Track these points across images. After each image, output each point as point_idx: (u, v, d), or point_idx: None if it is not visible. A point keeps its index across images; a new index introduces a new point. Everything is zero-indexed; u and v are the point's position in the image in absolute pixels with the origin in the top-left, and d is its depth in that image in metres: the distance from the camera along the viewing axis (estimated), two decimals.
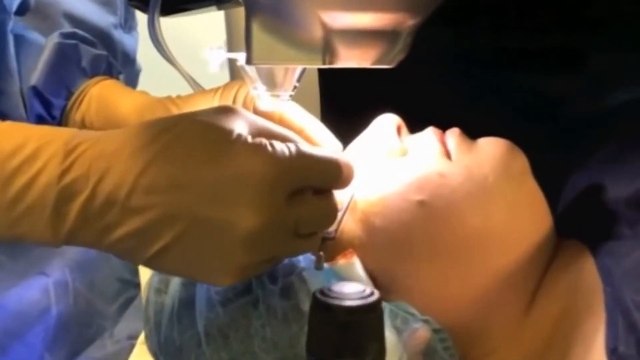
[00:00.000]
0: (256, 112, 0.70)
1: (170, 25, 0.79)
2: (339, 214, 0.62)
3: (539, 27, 0.89)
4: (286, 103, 0.68)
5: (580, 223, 0.69)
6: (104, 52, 0.88)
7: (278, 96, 0.66)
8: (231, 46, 0.67)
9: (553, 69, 0.91)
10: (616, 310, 0.56)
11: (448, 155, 0.66)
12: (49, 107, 0.84)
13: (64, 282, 0.72)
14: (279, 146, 0.53)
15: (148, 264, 0.55)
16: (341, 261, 0.62)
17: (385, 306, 0.60)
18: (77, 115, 0.85)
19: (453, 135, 0.67)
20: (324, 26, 0.53)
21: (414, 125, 0.73)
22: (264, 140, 0.53)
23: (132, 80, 1.41)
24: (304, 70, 0.65)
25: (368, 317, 0.46)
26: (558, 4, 0.87)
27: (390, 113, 0.71)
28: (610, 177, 0.69)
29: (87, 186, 0.52)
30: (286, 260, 0.61)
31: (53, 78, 0.84)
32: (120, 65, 1.33)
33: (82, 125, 0.85)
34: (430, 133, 0.68)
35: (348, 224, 0.64)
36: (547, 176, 0.67)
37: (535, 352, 0.62)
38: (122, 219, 0.52)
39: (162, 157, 0.52)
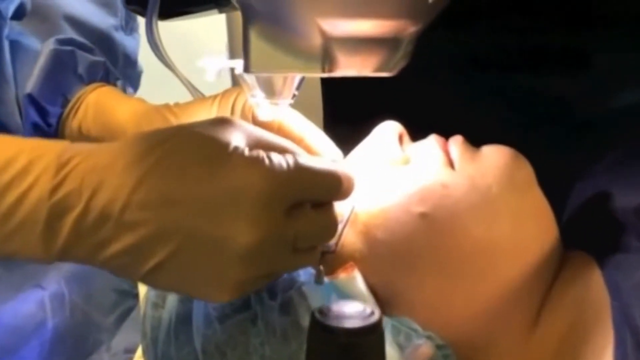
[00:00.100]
0: (255, 120, 0.69)
1: (170, 29, 0.78)
2: (339, 227, 0.60)
3: (541, 27, 0.88)
4: (285, 111, 0.66)
5: (586, 233, 0.67)
6: (100, 59, 0.87)
7: (277, 104, 0.65)
8: (233, 50, 0.65)
9: (556, 70, 0.89)
10: (624, 327, 0.54)
11: (451, 164, 0.64)
12: (45, 115, 0.83)
13: (60, 295, 0.70)
14: (277, 159, 0.52)
15: (144, 280, 0.53)
16: (342, 275, 0.60)
17: (387, 321, 0.58)
18: (73, 123, 0.83)
19: (456, 143, 0.66)
20: (323, 34, 0.52)
21: (417, 130, 0.71)
22: (261, 153, 0.52)
23: (133, 82, 1.40)
24: (303, 79, 0.63)
25: (369, 338, 0.45)
26: (561, 4, 0.85)
27: (392, 120, 0.70)
28: (617, 185, 0.68)
29: (80, 201, 0.51)
30: (285, 275, 0.60)
31: (49, 85, 0.83)
32: (122, 68, 1.32)
33: (79, 133, 0.83)
34: (432, 141, 0.67)
35: (349, 237, 0.62)
36: (552, 179, 0.66)
37: None
38: (116, 234, 0.51)
39: (157, 171, 0.51)
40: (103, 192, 0.51)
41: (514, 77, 0.90)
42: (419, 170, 0.64)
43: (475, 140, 0.68)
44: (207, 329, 0.61)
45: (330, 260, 0.61)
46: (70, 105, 0.84)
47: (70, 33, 1.20)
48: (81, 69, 0.85)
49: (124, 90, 0.91)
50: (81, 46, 0.87)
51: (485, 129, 0.72)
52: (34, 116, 0.82)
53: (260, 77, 0.62)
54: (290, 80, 0.62)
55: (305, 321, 0.56)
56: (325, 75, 0.55)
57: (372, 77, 0.56)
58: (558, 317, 0.61)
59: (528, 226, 0.62)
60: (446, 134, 0.69)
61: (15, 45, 0.86)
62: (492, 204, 0.61)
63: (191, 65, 0.70)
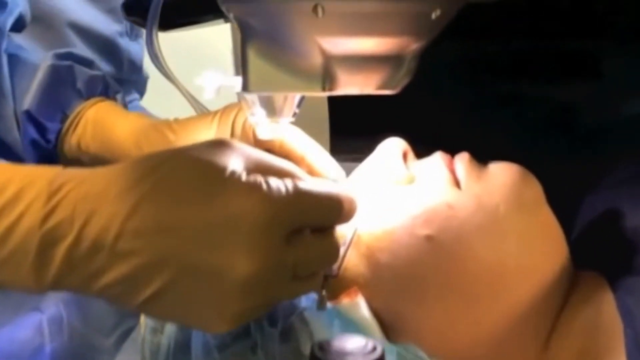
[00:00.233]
0: (256, 138, 0.67)
1: (175, 39, 0.77)
2: (342, 249, 0.58)
3: (551, 35, 0.86)
4: (286, 129, 0.65)
5: (597, 252, 0.66)
6: (99, 72, 0.86)
7: (278, 122, 0.63)
8: (238, 62, 0.64)
9: (566, 78, 0.89)
10: (638, 355, 0.52)
11: (457, 183, 0.62)
12: (44, 131, 0.81)
13: (58, 318, 0.69)
14: (275, 184, 0.50)
15: (140, 309, 0.52)
16: (345, 300, 0.58)
17: (393, 348, 0.56)
18: (72, 139, 0.82)
19: (462, 161, 0.64)
20: (323, 52, 0.51)
21: (422, 142, 0.69)
22: (259, 178, 0.50)
23: (139, 88, 1.39)
24: (303, 96, 0.61)
25: None
26: (571, 11, 0.84)
27: (397, 135, 0.68)
28: (628, 202, 0.66)
29: (72, 230, 0.49)
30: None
31: (47, 101, 0.81)
32: (127, 74, 1.32)
33: (78, 150, 0.82)
34: (438, 159, 0.65)
35: (351, 260, 0.61)
36: (562, 188, 0.64)
37: None
38: (109, 264, 0.49)
39: (151, 198, 0.49)
40: (96, 220, 0.49)
41: (523, 84, 0.89)
42: (424, 190, 0.62)
43: (483, 150, 0.66)
44: (206, 358, 0.59)
45: (333, 284, 0.59)
46: (69, 120, 0.82)
47: (74, 40, 1.20)
48: (80, 84, 0.83)
49: (125, 104, 0.89)
50: (80, 60, 0.86)
51: (493, 138, 0.70)
52: (32, 133, 0.81)
53: (261, 95, 0.60)
54: (291, 98, 0.61)
55: (307, 348, 0.55)
56: (326, 94, 0.53)
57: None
58: (568, 343, 0.60)
59: (537, 247, 0.60)
60: (453, 145, 0.67)
61: (13, 59, 0.85)
62: (500, 225, 0.60)
63: (197, 76, 0.68)
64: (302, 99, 0.62)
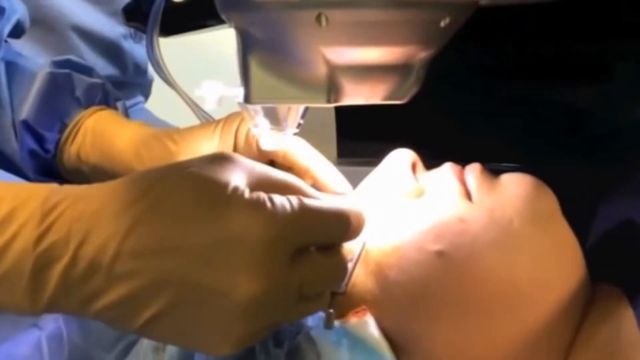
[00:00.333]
0: (259, 149, 0.66)
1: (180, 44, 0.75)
2: (350, 265, 0.56)
3: (563, 37, 0.85)
4: (290, 140, 0.63)
5: (613, 265, 0.63)
6: (99, 80, 0.84)
7: (281, 131, 0.61)
8: None
9: (579, 80, 0.87)
10: None
11: (468, 195, 0.60)
12: (42, 141, 0.80)
13: (58, 335, 0.67)
14: (279, 201, 0.48)
15: (139, 332, 0.50)
16: (353, 319, 0.56)
17: None
18: (72, 149, 0.80)
19: (473, 172, 0.61)
20: (328, 63, 0.49)
21: (433, 143, 0.68)
22: (262, 195, 0.48)
23: (144, 91, 1.38)
24: (308, 107, 0.59)
25: None
26: (583, 13, 0.82)
27: (405, 147, 0.66)
28: None
29: (67, 251, 0.47)
30: None
31: (45, 110, 0.80)
32: (132, 76, 1.31)
33: (78, 159, 0.80)
34: (448, 170, 0.62)
35: (360, 276, 0.59)
36: (573, 194, 0.62)
37: None
38: (107, 285, 0.48)
39: (149, 217, 0.47)
40: (92, 241, 0.47)
41: (534, 88, 0.87)
42: (434, 203, 0.60)
43: (495, 152, 0.64)
44: None
45: (340, 302, 0.57)
46: (68, 130, 0.81)
47: (78, 43, 1.19)
48: (79, 92, 0.82)
49: (126, 112, 0.87)
50: (79, 68, 0.84)
51: (502, 142, 0.68)
52: (30, 143, 0.79)
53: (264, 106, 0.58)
54: (295, 109, 0.59)
55: None
56: (331, 105, 0.51)
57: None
58: None
59: (553, 262, 0.58)
60: (461, 150, 0.66)
61: (11, 67, 0.83)
62: (514, 239, 0.57)
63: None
64: (307, 109, 0.60)
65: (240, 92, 0.54)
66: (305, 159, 0.64)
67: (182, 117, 0.85)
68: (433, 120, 0.82)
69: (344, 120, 0.92)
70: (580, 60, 0.86)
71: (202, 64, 1.38)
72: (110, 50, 1.27)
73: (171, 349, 0.61)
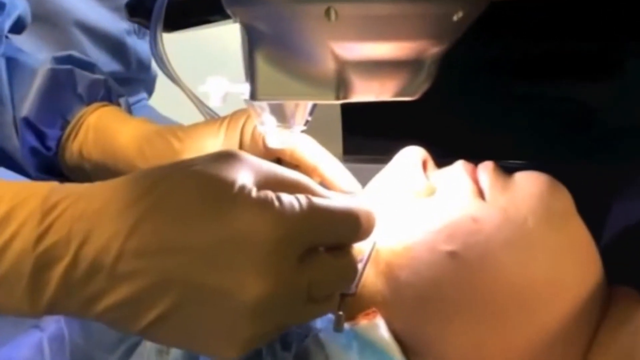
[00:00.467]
0: (265, 147, 0.64)
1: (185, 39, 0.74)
2: (359, 266, 0.55)
3: (572, 34, 0.84)
4: (298, 137, 0.61)
5: (629, 265, 0.62)
6: (101, 76, 0.82)
7: (289, 128, 0.60)
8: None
9: (588, 77, 0.86)
10: None
11: (481, 194, 0.58)
12: (44, 138, 0.79)
13: (60, 337, 0.66)
14: (287, 200, 0.47)
15: (142, 334, 0.48)
16: (363, 322, 0.55)
17: None
18: (74, 146, 0.79)
19: (486, 170, 0.60)
20: (337, 58, 0.48)
21: (441, 139, 0.67)
22: (270, 194, 0.47)
23: (148, 87, 1.38)
24: (316, 103, 0.58)
25: None
26: (592, 10, 0.81)
27: (414, 144, 0.65)
28: None
29: (68, 251, 0.46)
30: None
31: (46, 107, 0.78)
32: (135, 72, 1.30)
33: (80, 157, 0.79)
34: (460, 168, 0.61)
35: (370, 277, 0.57)
36: (584, 192, 0.61)
37: None
38: (109, 286, 0.46)
39: (153, 215, 0.46)
40: (94, 241, 0.46)
41: (546, 85, 0.86)
42: (446, 202, 0.58)
43: (506, 149, 0.62)
44: None
45: (350, 303, 0.55)
46: (70, 127, 0.80)
47: (81, 39, 1.19)
48: (80, 89, 0.80)
49: (129, 108, 0.86)
50: (80, 64, 0.82)
51: (514, 137, 0.66)
52: (32, 140, 0.78)
53: (271, 103, 0.57)
54: (303, 105, 0.58)
55: None
56: (340, 102, 0.50)
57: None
58: None
59: (569, 262, 0.56)
60: (470, 146, 0.64)
61: (12, 63, 0.82)
62: (528, 239, 0.56)
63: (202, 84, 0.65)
64: (314, 106, 0.58)
65: (245, 88, 0.52)
66: (313, 157, 0.63)
67: (186, 114, 0.84)
68: (440, 117, 0.81)
69: (350, 116, 0.91)
70: (591, 58, 0.85)
71: (206, 60, 1.37)
72: (113, 46, 1.26)
73: (175, 352, 0.60)
